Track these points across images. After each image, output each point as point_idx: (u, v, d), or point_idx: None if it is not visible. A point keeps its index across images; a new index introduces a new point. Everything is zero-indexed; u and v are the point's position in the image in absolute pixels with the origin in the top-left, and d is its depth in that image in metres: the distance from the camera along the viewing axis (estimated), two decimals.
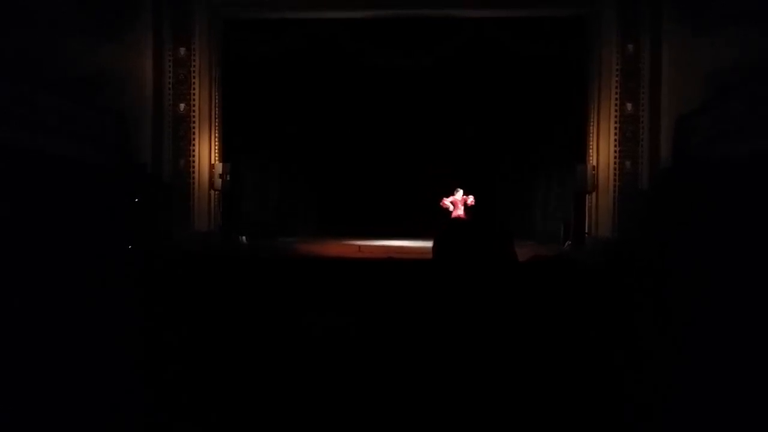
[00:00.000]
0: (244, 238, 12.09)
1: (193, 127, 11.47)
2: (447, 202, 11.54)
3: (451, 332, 1.30)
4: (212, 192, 11.64)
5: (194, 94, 11.48)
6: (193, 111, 11.48)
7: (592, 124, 11.42)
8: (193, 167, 11.49)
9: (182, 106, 11.46)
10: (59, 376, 2.02)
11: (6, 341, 2.43)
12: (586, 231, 11.39)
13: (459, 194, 12.04)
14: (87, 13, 10.55)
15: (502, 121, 14.35)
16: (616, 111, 11.12)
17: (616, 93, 11.13)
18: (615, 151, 11.12)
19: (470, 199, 11.61)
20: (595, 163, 11.25)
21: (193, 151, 11.49)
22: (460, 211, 11.60)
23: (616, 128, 11.11)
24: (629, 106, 11.11)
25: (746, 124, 8.60)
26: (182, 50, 11.43)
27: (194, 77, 11.47)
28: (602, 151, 11.23)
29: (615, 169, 11.12)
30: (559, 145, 12.49)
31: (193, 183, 11.48)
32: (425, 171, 15.31)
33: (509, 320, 1.43)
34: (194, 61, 11.46)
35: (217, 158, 11.72)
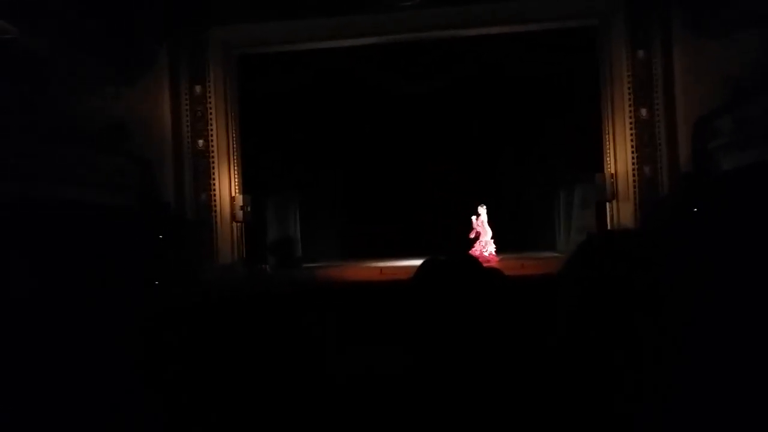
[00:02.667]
0: (267, 267, 12.22)
1: (213, 162, 11.71)
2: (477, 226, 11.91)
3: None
4: (234, 224, 11.82)
5: (212, 130, 11.75)
6: (212, 146, 11.73)
7: (607, 132, 11.38)
8: (215, 201, 11.70)
9: (201, 142, 11.72)
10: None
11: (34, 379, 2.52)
12: None
13: (483, 211, 12.17)
14: (107, 61, 10.90)
15: (519, 136, 14.39)
16: (630, 117, 11.07)
17: (630, 99, 11.09)
18: (633, 158, 11.04)
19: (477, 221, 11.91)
20: (613, 171, 11.19)
21: (214, 185, 11.71)
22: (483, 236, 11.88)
23: (632, 134, 11.05)
24: (644, 111, 11.06)
25: (765, 126, 8.50)
26: (198, 88, 11.73)
27: (211, 114, 11.74)
28: (620, 159, 11.16)
29: (634, 176, 11.04)
30: (576, 156, 12.46)
31: (215, 216, 11.69)
32: (443, 189, 15.36)
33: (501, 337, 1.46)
34: (210, 97, 11.75)
35: (237, 191, 11.92)
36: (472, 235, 12.20)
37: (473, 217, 12.30)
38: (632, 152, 11.03)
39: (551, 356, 0.79)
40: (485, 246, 12.10)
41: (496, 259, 11.91)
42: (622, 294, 0.73)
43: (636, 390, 0.73)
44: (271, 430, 1.47)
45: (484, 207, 12.34)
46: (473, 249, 12.11)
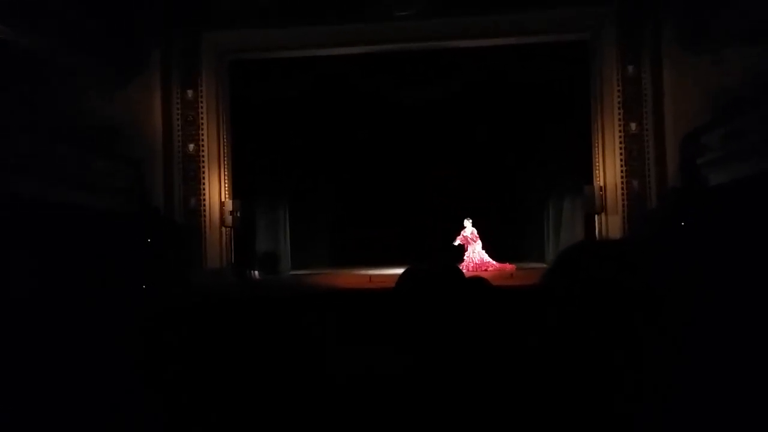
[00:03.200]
0: (256, 273, 12.17)
1: (203, 167, 11.68)
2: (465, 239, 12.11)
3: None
4: (223, 229, 11.78)
5: (203, 134, 11.72)
6: (202, 151, 11.70)
7: (596, 144, 11.48)
8: (204, 206, 11.66)
9: (191, 146, 11.69)
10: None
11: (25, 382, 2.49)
12: None
13: (468, 224, 12.35)
14: (100, 63, 10.87)
15: (511, 146, 14.50)
16: (620, 131, 11.18)
17: (619, 113, 11.20)
18: (621, 171, 11.15)
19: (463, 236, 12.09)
20: (602, 184, 11.28)
21: (204, 190, 11.67)
22: (472, 247, 12.07)
23: (621, 148, 11.16)
24: (633, 126, 11.18)
25: (754, 142, 8.61)
26: (190, 92, 11.71)
27: (202, 118, 11.72)
28: (609, 172, 11.26)
29: (622, 189, 11.14)
30: (566, 168, 12.56)
31: (205, 221, 11.64)
32: (434, 197, 15.41)
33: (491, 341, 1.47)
34: (202, 102, 11.73)
35: (227, 196, 11.88)
36: (458, 242, 12.34)
37: (465, 225, 12.45)
38: (621, 165, 11.14)
39: (534, 362, 0.79)
40: (472, 257, 12.22)
41: (495, 265, 12.04)
42: (600, 302, 0.74)
43: (615, 394, 0.74)
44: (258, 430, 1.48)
45: (470, 220, 12.50)
46: (464, 259, 12.22)
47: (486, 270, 11.50)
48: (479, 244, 12.36)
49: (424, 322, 1.37)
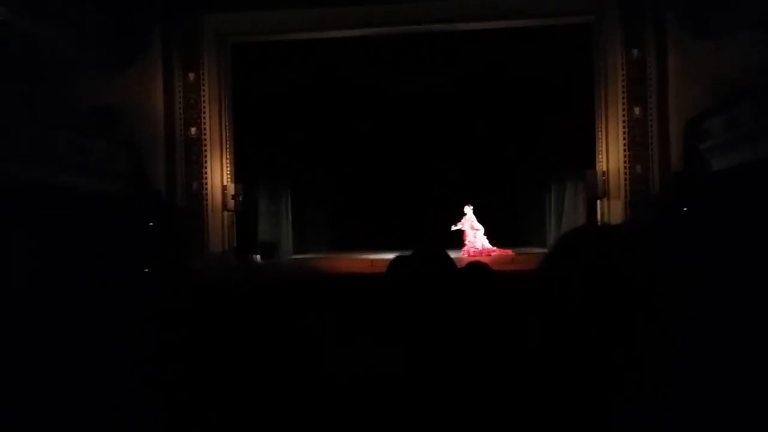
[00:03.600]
0: (258, 257, 12.20)
1: (205, 151, 11.66)
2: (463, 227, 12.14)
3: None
4: (225, 213, 11.78)
5: (205, 118, 11.68)
6: (204, 134, 11.67)
7: (600, 129, 11.42)
8: (206, 190, 11.66)
9: (193, 130, 11.66)
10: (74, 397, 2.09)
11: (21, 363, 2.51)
12: None
13: (469, 211, 12.36)
14: (101, 46, 10.81)
15: (513, 131, 14.45)
16: (624, 115, 11.11)
17: (623, 97, 11.13)
18: (624, 156, 11.10)
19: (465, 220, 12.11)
20: (605, 169, 11.24)
21: (206, 173, 11.66)
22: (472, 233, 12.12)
23: (624, 133, 11.10)
24: (637, 110, 11.11)
25: (756, 128, 8.57)
26: (191, 75, 11.65)
27: (204, 101, 11.68)
28: (612, 157, 11.22)
29: (625, 174, 11.10)
30: (569, 152, 12.51)
31: (207, 205, 11.65)
32: (436, 183, 15.39)
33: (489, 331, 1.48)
34: (203, 85, 11.68)
35: (229, 180, 11.87)
36: (457, 227, 12.37)
37: (466, 212, 12.47)
38: (624, 150, 11.08)
39: (533, 346, 0.80)
40: (474, 242, 12.26)
41: (496, 250, 12.07)
42: (599, 286, 0.74)
43: (614, 383, 0.74)
44: (255, 420, 1.49)
45: (471, 207, 12.50)
46: (465, 244, 12.27)
47: (489, 255, 11.52)
48: (481, 230, 12.38)
49: (413, 308, 1.38)
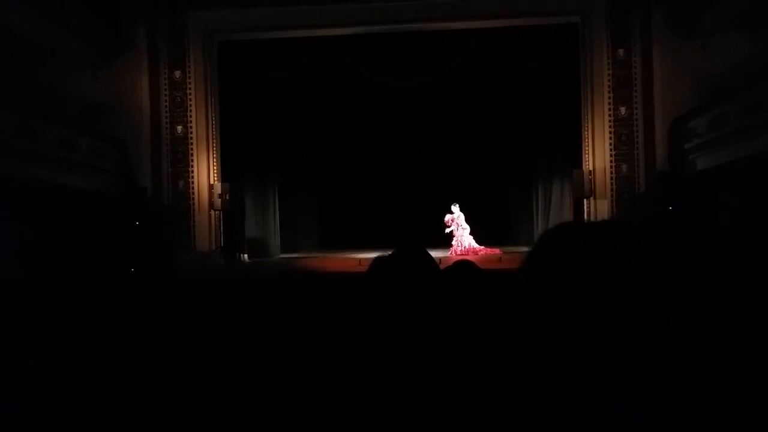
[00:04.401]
0: (245, 256, 12.14)
1: (191, 149, 11.59)
2: (450, 221, 12.17)
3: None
4: (212, 212, 11.72)
5: (191, 116, 11.61)
6: (191, 133, 11.60)
7: (586, 128, 11.50)
8: (193, 188, 11.58)
9: (179, 128, 11.58)
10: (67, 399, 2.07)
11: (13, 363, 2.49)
12: None
13: (456, 209, 12.40)
14: (85, 42, 10.69)
15: (500, 130, 14.51)
16: (609, 115, 11.21)
17: (609, 97, 11.22)
18: (611, 155, 11.19)
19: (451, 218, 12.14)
20: (591, 168, 11.32)
21: (192, 172, 11.59)
22: (459, 231, 12.15)
23: (610, 132, 11.20)
24: (623, 109, 11.20)
25: (740, 127, 8.67)
26: (177, 73, 11.57)
27: (190, 99, 11.60)
28: (598, 156, 11.30)
29: (611, 173, 11.19)
30: (556, 152, 12.58)
31: (193, 204, 11.58)
32: (424, 182, 15.39)
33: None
34: (190, 83, 11.60)
35: (216, 178, 11.80)
36: (448, 230, 12.41)
37: (451, 212, 12.50)
38: (610, 149, 11.17)
39: (516, 345, 0.80)
40: (462, 241, 12.30)
41: (482, 249, 12.12)
42: (580, 283, 0.74)
43: (587, 384, 0.74)
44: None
45: (457, 205, 12.55)
46: (452, 244, 12.30)
47: (476, 254, 11.57)
48: (467, 230, 12.43)
49: (394, 306, 1.39)
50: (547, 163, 13.02)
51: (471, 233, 12.48)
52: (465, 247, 12.16)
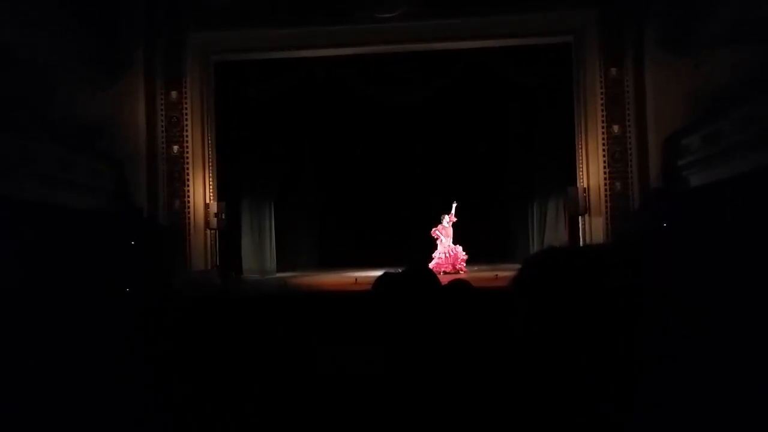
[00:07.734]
0: (241, 275, 12.10)
1: (187, 168, 11.61)
2: (437, 232, 12.11)
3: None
4: (208, 231, 11.70)
5: (187, 136, 11.65)
6: (187, 152, 11.63)
7: (580, 146, 11.58)
8: (188, 208, 11.58)
9: (175, 148, 11.61)
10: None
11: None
12: None
13: (453, 208, 12.40)
14: (83, 61, 10.75)
15: (495, 148, 14.61)
16: (603, 133, 11.29)
17: (602, 115, 11.32)
18: (605, 173, 11.26)
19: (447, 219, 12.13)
20: (585, 186, 11.37)
21: (188, 191, 11.60)
22: (447, 240, 12.09)
23: (604, 150, 11.28)
24: (616, 128, 11.29)
25: (733, 144, 8.75)
26: (174, 93, 11.63)
27: (186, 119, 11.65)
28: (592, 173, 11.37)
29: (606, 190, 11.24)
30: (551, 169, 12.66)
31: (189, 223, 11.57)
32: (421, 199, 15.40)
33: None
34: (186, 103, 11.66)
35: (212, 197, 11.81)
36: (447, 224, 12.30)
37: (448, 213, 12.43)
38: (604, 167, 11.24)
39: (510, 364, 0.81)
40: (448, 250, 12.21)
41: (463, 266, 12.15)
42: (565, 307, 0.75)
43: (587, 398, 0.75)
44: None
45: (446, 216, 12.52)
46: (433, 257, 12.24)
47: (454, 268, 11.69)
48: (450, 238, 12.36)
49: (398, 325, 1.40)
50: (543, 181, 13.09)
51: (465, 250, 12.42)
52: (451, 255, 12.10)
